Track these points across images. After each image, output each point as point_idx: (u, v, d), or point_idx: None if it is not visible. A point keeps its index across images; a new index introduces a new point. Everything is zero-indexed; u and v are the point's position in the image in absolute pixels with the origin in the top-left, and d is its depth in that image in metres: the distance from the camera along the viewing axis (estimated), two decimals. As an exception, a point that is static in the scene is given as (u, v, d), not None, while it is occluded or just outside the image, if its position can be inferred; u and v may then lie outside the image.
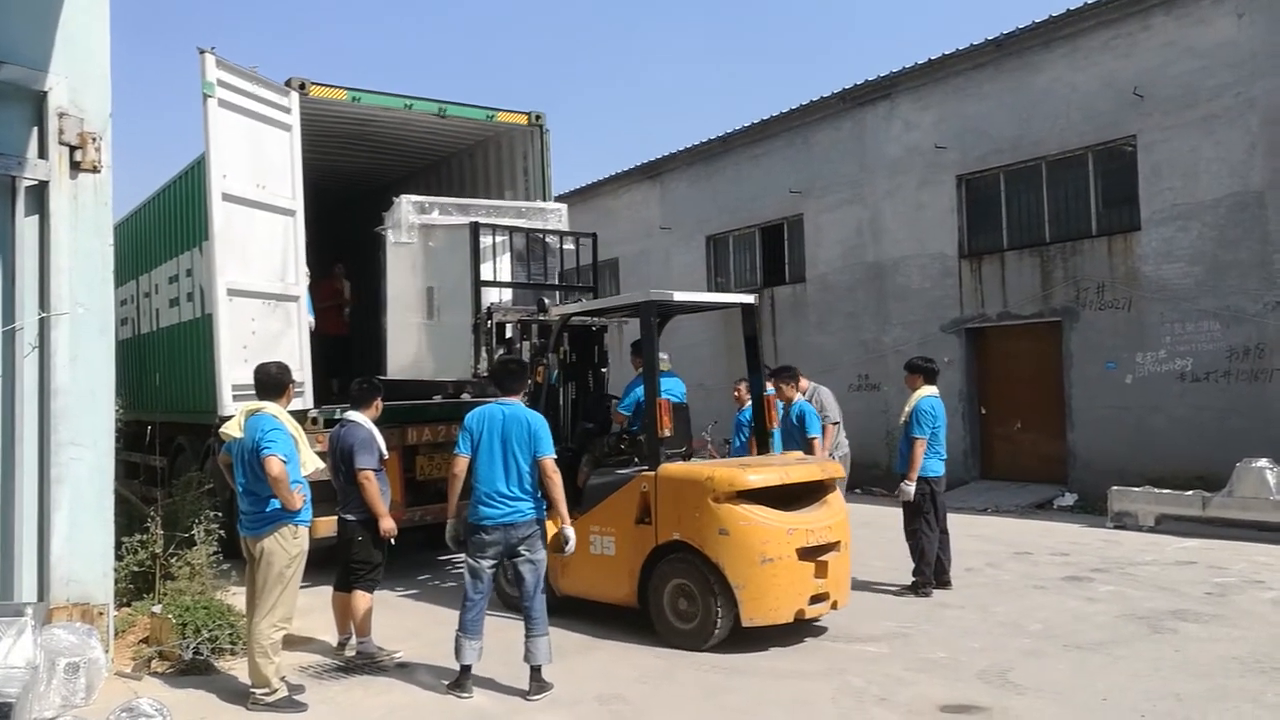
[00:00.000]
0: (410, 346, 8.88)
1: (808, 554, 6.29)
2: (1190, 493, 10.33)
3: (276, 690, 5.37)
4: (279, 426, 5.44)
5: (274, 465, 5.23)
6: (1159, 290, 12.07)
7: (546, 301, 8.10)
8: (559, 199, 12.23)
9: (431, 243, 8.74)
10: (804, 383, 9.03)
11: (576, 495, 6.97)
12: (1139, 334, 12.27)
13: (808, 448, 8.14)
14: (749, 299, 7.72)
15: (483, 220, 8.64)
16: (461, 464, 5.71)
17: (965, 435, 14.13)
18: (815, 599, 6.37)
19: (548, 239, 9.18)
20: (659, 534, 6.46)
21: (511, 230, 8.85)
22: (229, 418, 7.20)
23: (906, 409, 8.01)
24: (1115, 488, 10.97)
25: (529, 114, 10.33)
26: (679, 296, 7.50)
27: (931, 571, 7.89)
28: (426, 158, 11.68)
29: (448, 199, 9.22)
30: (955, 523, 11.12)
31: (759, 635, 6.70)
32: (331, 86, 9.13)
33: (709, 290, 18.82)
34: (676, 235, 19.51)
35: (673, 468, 6.62)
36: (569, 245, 9.30)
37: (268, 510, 5.41)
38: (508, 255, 8.77)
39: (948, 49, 14.27)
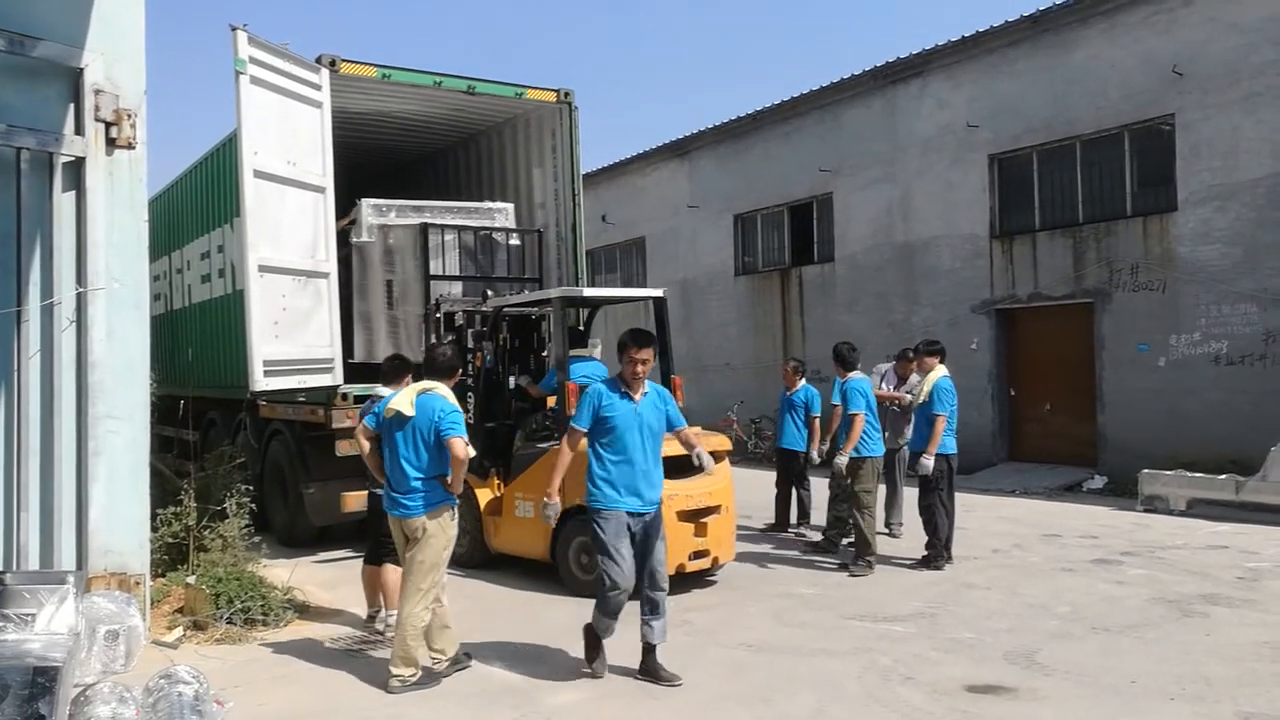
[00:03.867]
0: (372, 333, 9.57)
1: (688, 516, 7.21)
2: (1223, 476, 10.20)
3: (418, 672, 5.37)
4: (459, 410, 5.48)
5: (460, 447, 5.27)
6: (1195, 272, 11.88)
7: (489, 294, 9.08)
8: (586, 177, 12.28)
9: (390, 240, 9.51)
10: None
11: (509, 466, 8.10)
12: (1173, 316, 12.09)
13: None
14: (659, 292, 8.56)
15: (432, 221, 9.49)
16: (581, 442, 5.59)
17: (994, 417, 14.04)
18: (696, 555, 7.29)
19: (495, 236, 9.89)
20: (565, 500, 7.07)
21: (460, 229, 9.63)
22: (262, 391, 7.34)
23: (925, 388, 8.22)
24: (1146, 471, 10.86)
25: (558, 91, 10.31)
26: (588, 292, 8.83)
27: (943, 545, 8.09)
28: (455, 135, 11.70)
29: (404, 201, 9.85)
30: (983, 504, 11.14)
31: (787, 614, 6.74)
32: (361, 64, 9.15)
33: (737, 270, 18.80)
34: (704, 214, 19.43)
35: None
36: (515, 240, 10.04)
37: (432, 490, 5.39)
38: (457, 251, 9.58)
39: (982, 26, 14.10)
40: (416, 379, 5.83)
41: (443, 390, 5.51)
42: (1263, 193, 11.30)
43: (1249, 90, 11.36)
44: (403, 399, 5.44)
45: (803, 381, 9.75)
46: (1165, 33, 12.11)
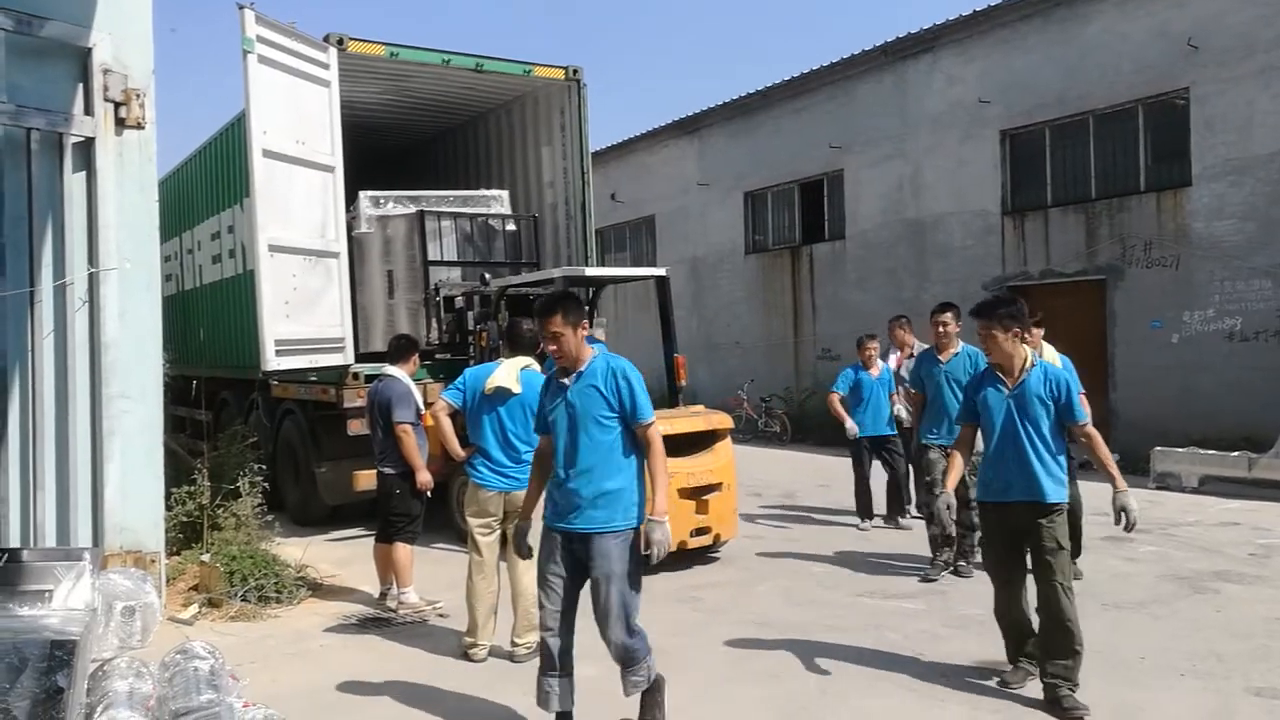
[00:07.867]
0: (377, 322, 9.71)
1: (690, 494, 7.25)
2: (1236, 454, 10.15)
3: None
4: None
5: None
6: (1209, 248, 11.79)
7: (488, 277, 9.08)
8: (595, 155, 12.26)
9: (388, 231, 9.68)
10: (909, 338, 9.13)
11: None
12: (1187, 292, 12.01)
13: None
14: (661, 271, 8.59)
15: (428, 209, 9.67)
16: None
17: (1005, 395, 13.97)
18: (697, 532, 7.36)
19: (491, 222, 10.07)
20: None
21: (456, 216, 9.81)
22: (273, 371, 7.36)
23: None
24: (1158, 448, 10.81)
25: (566, 69, 10.27)
26: (590, 272, 8.81)
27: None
28: (464, 113, 11.67)
29: (401, 192, 10.01)
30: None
31: (797, 591, 6.76)
32: (369, 42, 9.13)
33: (747, 248, 18.73)
34: (714, 191, 19.34)
35: None
36: (512, 226, 10.27)
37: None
38: (454, 237, 9.79)
39: (994, 0, 13.91)
40: (422, 359, 5.84)
41: (536, 366, 5.57)
42: (1278, 167, 11.18)
43: (1265, 63, 11.22)
44: (507, 375, 5.43)
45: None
46: (1179, 5, 11.95)
